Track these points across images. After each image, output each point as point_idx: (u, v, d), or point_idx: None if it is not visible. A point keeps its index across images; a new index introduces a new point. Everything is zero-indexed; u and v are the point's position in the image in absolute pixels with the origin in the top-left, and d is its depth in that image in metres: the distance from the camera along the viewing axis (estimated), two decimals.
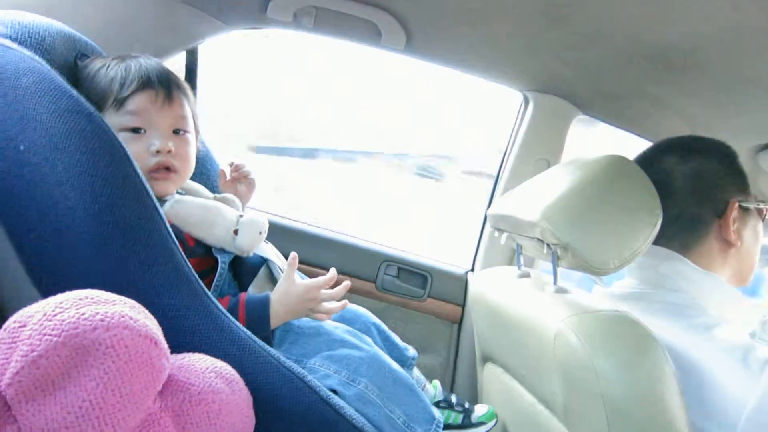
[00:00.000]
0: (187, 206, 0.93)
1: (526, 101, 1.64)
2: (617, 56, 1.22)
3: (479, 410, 1.14)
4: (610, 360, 0.83)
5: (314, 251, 1.68)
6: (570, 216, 0.93)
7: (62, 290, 0.57)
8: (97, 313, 0.53)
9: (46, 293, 0.57)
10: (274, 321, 0.91)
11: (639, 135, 1.58)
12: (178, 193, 0.97)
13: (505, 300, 1.13)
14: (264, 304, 0.91)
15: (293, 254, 0.96)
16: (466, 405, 1.14)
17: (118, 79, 0.88)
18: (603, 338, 0.84)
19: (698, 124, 1.39)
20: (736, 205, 1.05)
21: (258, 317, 0.90)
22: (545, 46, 1.29)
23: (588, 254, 0.91)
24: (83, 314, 0.52)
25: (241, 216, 0.97)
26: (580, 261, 0.92)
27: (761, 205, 1.09)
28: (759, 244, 1.12)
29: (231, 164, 1.15)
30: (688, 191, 1.05)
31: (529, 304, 1.01)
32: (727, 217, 1.04)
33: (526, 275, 1.18)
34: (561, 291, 1.00)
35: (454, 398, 1.15)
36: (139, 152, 0.86)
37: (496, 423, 1.14)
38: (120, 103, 0.87)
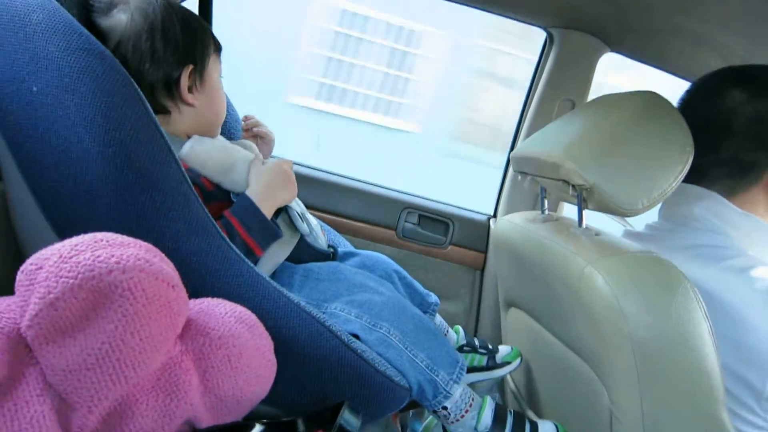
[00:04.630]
0: (206, 148, 0.92)
1: (551, 39, 1.57)
2: None
3: (503, 351, 1.14)
4: (637, 301, 0.81)
5: (334, 199, 1.67)
6: (596, 155, 0.89)
7: (79, 234, 0.56)
8: (113, 256, 0.52)
9: (63, 237, 0.56)
10: (263, 203, 0.91)
11: (672, 73, 1.52)
12: None
13: (528, 244, 1.10)
14: (244, 197, 0.91)
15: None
16: (490, 347, 1.14)
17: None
18: (630, 279, 0.82)
19: (736, 60, 1.32)
20: None
21: (248, 212, 0.90)
22: None
23: (615, 194, 0.88)
24: (98, 257, 0.51)
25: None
26: (607, 202, 0.89)
27: None
28: None
29: (244, 119, 1.16)
30: (749, 135, 0.97)
31: (554, 247, 0.99)
32: None
33: (551, 219, 1.15)
34: (586, 233, 0.97)
35: (477, 342, 1.15)
36: None
37: (521, 362, 1.14)
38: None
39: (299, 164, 1.68)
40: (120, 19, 0.88)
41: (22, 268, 0.53)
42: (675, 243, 0.99)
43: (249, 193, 0.91)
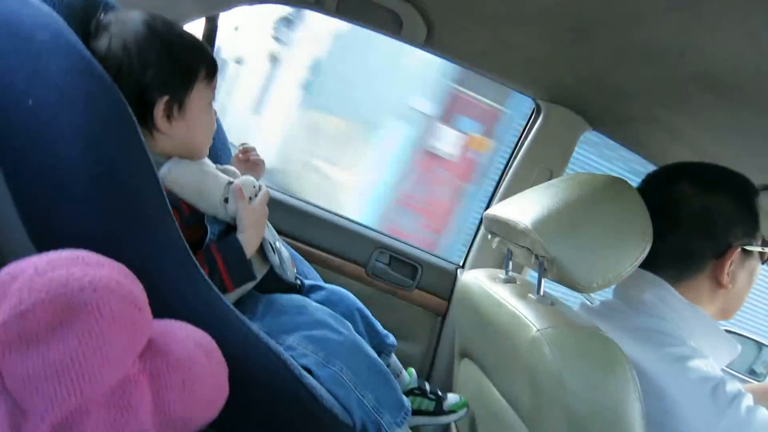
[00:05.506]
0: (183, 170, 0.94)
1: (538, 109, 1.64)
2: (637, 80, 1.22)
3: (451, 399, 1.17)
4: (578, 376, 0.84)
5: (308, 229, 1.70)
6: (561, 231, 0.94)
7: (57, 248, 0.58)
8: (86, 275, 0.54)
9: (41, 249, 0.59)
10: (249, 246, 0.96)
11: (645, 158, 1.59)
12: None
13: (487, 301, 1.14)
14: (234, 240, 0.95)
15: (236, 184, 0.99)
16: (439, 393, 1.17)
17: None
18: (575, 353, 0.86)
19: (706, 157, 1.39)
20: (738, 249, 1.01)
21: (235, 254, 0.94)
22: (565, 60, 1.29)
23: (573, 270, 0.92)
24: (73, 274, 0.54)
25: (231, 182, 0.98)
26: (565, 276, 0.93)
27: (765, 249, 1.05)
28: (751, 286, 1.08)
29: (241, 146, 1.19)
30: (694, 227, 1.02)
31: (510, 309, 1.03)
32: (725, 260, 1.01)
33: (512, 280, 1.20)
34: (543, 301, 1.02)
35: (427, 386, 1.18)
36: None
37: (466, 412, 1.17)
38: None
39: (277, 190, 1.71)
40: (102, 44, 0.89)
41: None
42: (623, 323, 1.03)
43: (240, 236, 0.95)
